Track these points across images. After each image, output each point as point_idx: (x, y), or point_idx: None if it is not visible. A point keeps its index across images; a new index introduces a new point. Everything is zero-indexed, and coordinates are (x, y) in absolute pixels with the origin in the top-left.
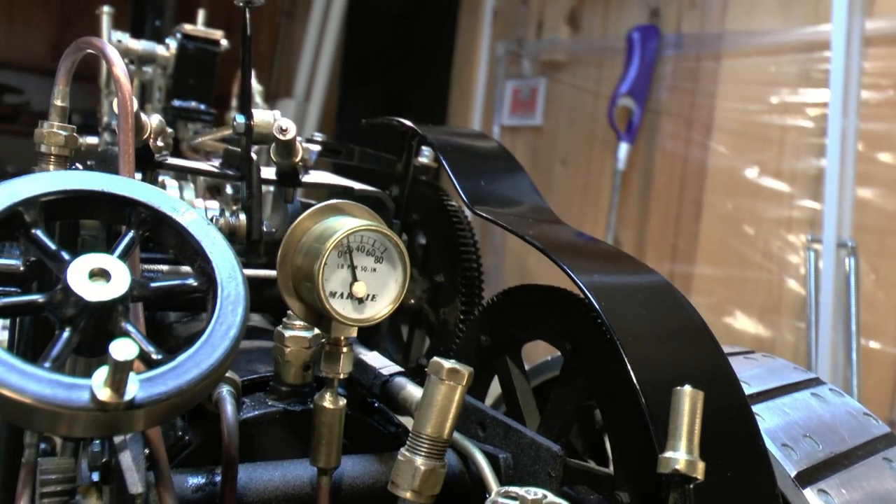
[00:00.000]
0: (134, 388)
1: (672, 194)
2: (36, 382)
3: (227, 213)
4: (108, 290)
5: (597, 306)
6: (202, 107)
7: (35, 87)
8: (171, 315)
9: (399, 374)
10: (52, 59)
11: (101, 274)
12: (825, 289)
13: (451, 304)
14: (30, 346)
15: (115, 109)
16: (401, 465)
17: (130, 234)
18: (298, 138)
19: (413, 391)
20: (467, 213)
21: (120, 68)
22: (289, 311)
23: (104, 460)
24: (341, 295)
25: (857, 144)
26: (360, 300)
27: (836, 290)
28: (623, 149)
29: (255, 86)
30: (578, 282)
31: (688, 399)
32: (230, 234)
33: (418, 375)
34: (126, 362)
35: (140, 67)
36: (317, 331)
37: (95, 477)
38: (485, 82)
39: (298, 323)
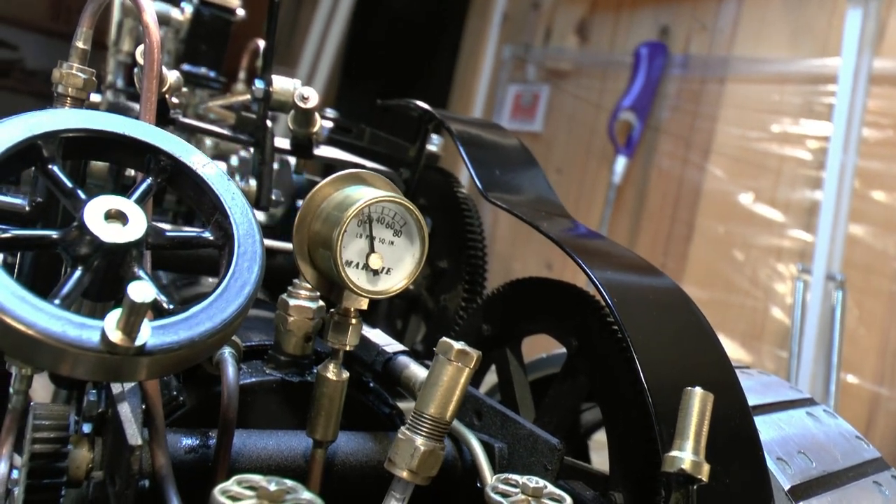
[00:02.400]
0: (146, 334)
1: (665, 213)
2: (46, 317)
3: (238, 178)
4: (124, 233)
5: (610, 304)
6: (212, 74)
7: (30, 44)
8: (164, 277)
9: (403, 352)
10: (50, 18)
11: (117, 216)
12: (811, 319)
13: (454, 291)
14: (28, 285)
15: (140, 58)
16: (400, 443)
17: (148, 181)
18: None
19: (417, 370)
20: (476, 202)
21: (150, 14)
22: (295, 280)
23: (100, 411)
24: (357, 265)
25: (854, 181)
26: (376, 272)
27: (821, 321)
28: (620, 162)
29: None
30: (594, 278)
31: (698, 400)
32: None
33: (414, 358)
34: (143, 304)
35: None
36: (321, 302)
37: (87, 429)
38: (487, 84)
39: (304, 293)
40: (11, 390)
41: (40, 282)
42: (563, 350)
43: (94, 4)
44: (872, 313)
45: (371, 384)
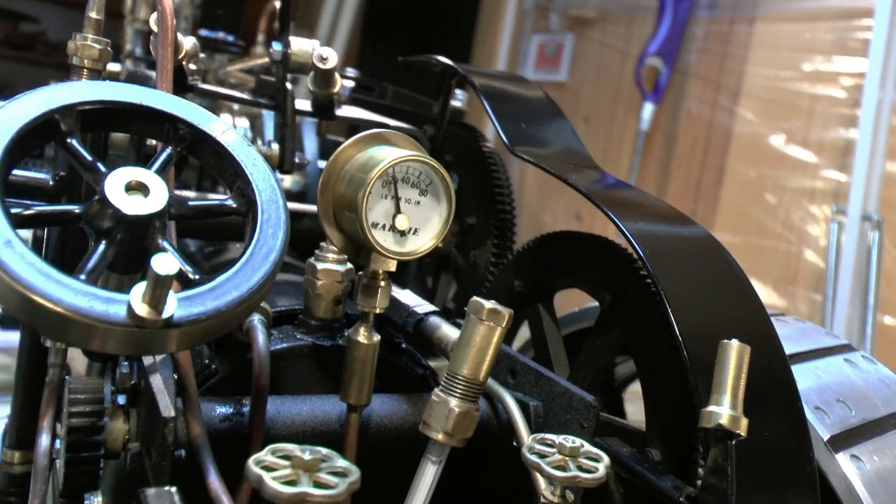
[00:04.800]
0: (173, 306)
1: (694, 158)
2: (73, 294)
3: (260, 142)
4: (146, 205)
5: (642, 256)
6: (230, 38)
7: (52, 16)
8: (191, 244)
9: (434, 313)
10: None
11: (138, 188)
12: (846, 261)
13: (483, 247)
14: (56, 262)
15: (154, 26)
16: (434, 405)
17: (168, 150)
18: None
19: (448, 331)
20: (502, 156)
21: None
22: (322, 244)
23: (132, 382)
24: (383, 227)
25: (891, 117)
26: (402, 233)
27: (856, 263)
28: (648, 109)
29: None
30: (625, 230)
31: (735, 353)
32: None
33: (446, 318)
34: (167, 277)
35: None
36: (349, 265)
37: (122, 400)
38: (510, 35)
39: (331, 256)
40: (49, 363)
41: (70, 255)
42: (596, 304)
43: None
44: None
45: (403, 345)
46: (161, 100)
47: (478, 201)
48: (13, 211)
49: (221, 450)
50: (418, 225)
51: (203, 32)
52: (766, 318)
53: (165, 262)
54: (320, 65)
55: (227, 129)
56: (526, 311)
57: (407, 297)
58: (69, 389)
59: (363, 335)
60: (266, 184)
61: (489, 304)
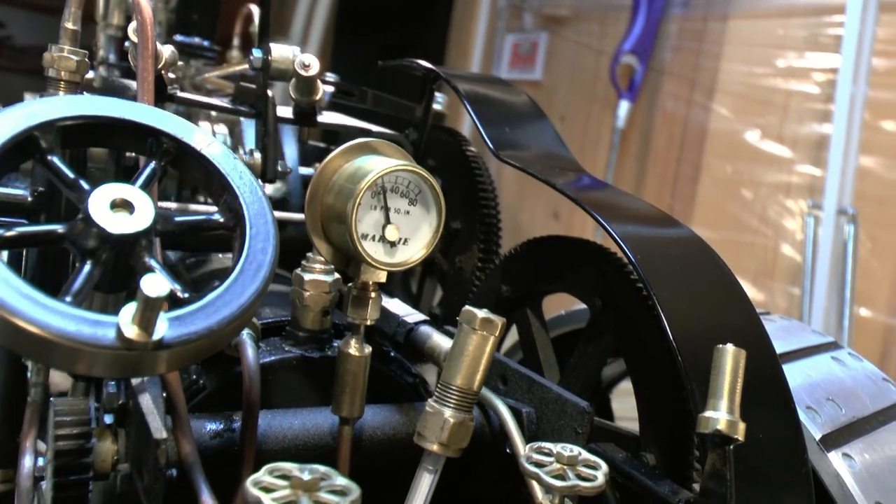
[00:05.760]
0: (163, 328)
1: (671, 155)
2: (59, 318)
3: (242, 151)
4: (131, 223)
5: (633, 260)
6: (205, 43)
7: (19, 21)
8: (171, 255)
9: (424, 322)
10: None
11: (123, 205)
12: (822, 255)
13: (468, 252)
14: (37, 280)
15: (133, 36)
16: (428, 416)
17: (152, 164)
18: None
19: (440, 340)
20: (485, 160)
21: None
22: (308, 254)
23: (120, 402)
24: (373, 237)
25: (864, 112)
26: (392, 244)
27: (833, 256)
28: (624, 107)
29: None
30: (615, 234)
31: (730, 357)
32: None
33: (436, 327)
34: (158, 299)
35: None
36: (337, 275)
37: (109, 419)
38: (484, 35)
39: (318, 266)
40: (30, 382)
41: (51, 270)
42: (583, 306)
43: None
44: (886, 245)
45: (392, 353)
46: (143, 113)
47: (462, 206)
48: None
49: (213, 467)
50: (408, 235)
51: (178, 38)
52: (757, 320)
53: (156, 284)
54: (303, 72)
55: (212, 142)
56: (514, 316)
57: (396, 306)
58: (55, 412)
59: (354, 347)
60: (253, 197)
61: (482, 314)
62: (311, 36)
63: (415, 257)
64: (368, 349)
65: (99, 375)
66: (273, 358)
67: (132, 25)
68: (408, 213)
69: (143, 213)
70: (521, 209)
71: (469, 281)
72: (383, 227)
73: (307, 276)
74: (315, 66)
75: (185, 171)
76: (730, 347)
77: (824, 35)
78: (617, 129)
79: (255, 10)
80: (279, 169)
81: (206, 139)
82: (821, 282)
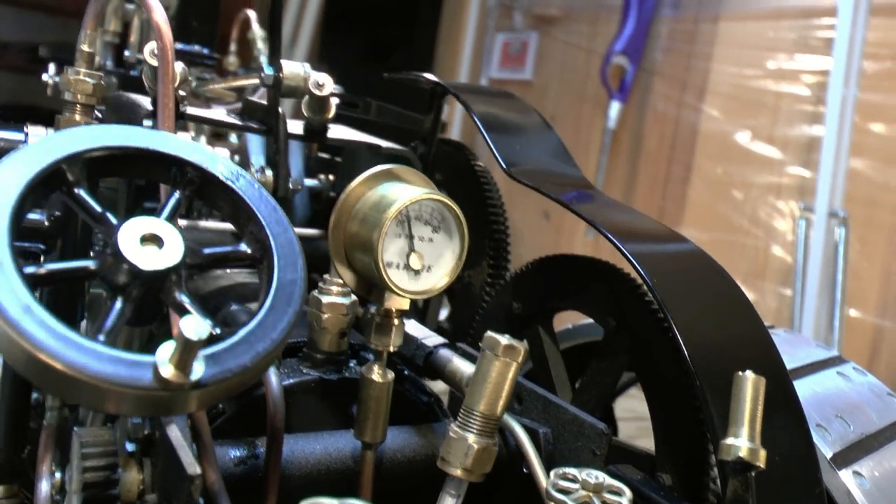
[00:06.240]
0: (201, 369)
1: (662, 156)
2: (97, 360)
3: (253, 169)
4: (162, 258)
5: (650, 284)
6: (205, 51)
7: (4, 17)
8: None
9: (443, 345)
10: None
11: (152, 239)
12: (814, 257)
13: (478, 268)
14: (52, 305)
15: (151, 59)
16: (452, 442)
17: (176, 195)
18: None
19: (461, 365)
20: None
21: (159, 14)
22: (325, 276)
23: (146, 433)
24: (397, 265)
25: (855, 114)
26: (416, 271)
27: (824, 259)
28: (615, 107)
29: (259, 31)
30: (633, 259)
31: (750, 385)
32: None
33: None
34: (198, 342)
35: (140, 8)
36: (354, 297)
37: (130, 447)
38: (473, 34)
39: (335, 289)
40: (46, 406)
41: (64, 295)
42: (590, 320)
43: (97, 5)
44: (875, 246)
45: (406, 372)
46: (168, 143)
47: (471, 221)
48: (27, 271)
49: (238, 494)
50: (431, 262)
51: (177, 46)
52: (770, 341)
53: (195, 327)
54: (317, 91)
55: (236, 170)
56: (525, 333)
57: (413, 327)
58: (81, 443)
59: (377, 374)
60: (279, 227)
61: (505, 341)
62: (301, 36)
63: (439, 284)
64: (391, 375)
65: (127, 414)
66: (292, 381)
67: (150, 47)
68: (431, 240)
69: (172, 248)
70: (513, 208)
71: (478, 297)
72: (407, 256)
73: (325, 299)
74: (329, 86)
75: (208, 200)
76: (750, 375)
77: (814, 37)
78: (608, 130)
79: (253, 14)
80: (290, 186)
81: (230, 168)
82: (812, 284)
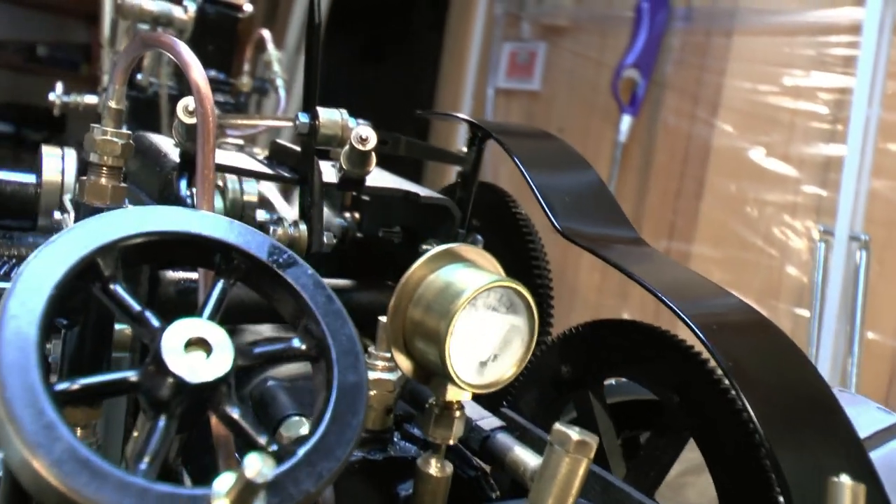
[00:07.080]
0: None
1: (673, 171)
2: (139, 499)
3: (286, 224)
4: (210, 368)
5: (725, 369)
6: (221, 76)
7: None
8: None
9: (500, 428)
10: None
11: (199, 343)
12: (833, 281)
13: None
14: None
15: (186, 117)
16: None
17: (220, 285)
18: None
19: (523, 455)
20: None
21: (198, 72)
22: (370, 349)
23: None
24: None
25: (877, 135)
26: (483, 362)
27: (844, 282)
28: (626, 121)
29: (274, 52)
30: (706, 341)
31: (849, 494)
32: (289, 247)
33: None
34: (261, 484)
35: (154, 30)
36: (400, 372)
37: None
38: (480, 43)
39: (381, 364)
40: None
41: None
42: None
43: (128, 59)
44: (894, 268)
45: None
46: (212, 225)
47: (510, 272)
48: (59, 388)
49: None
50: (498, 351)
51: None
52: (851, 426)
53: (259, 466)
54: (360, 146)
55: (288, 256)
56: (572, 396)
57: (469, 407)
58: None
59: (435, 468)
60: (338, 320)
61: (576, 436)
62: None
63: (506, 375)
64: (450, 469)
65: None
66: None
67: (184, 103)
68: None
69: (222, 355)
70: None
71: None
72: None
73: (371, 375)
74: (373, 140)
75: (256, 288)
76: (846, 482)
77: (831, 55)
78: (619, 143)
79: (268, 34)
80: (325, 241)
81: (281, 252)
82: (831, 307)
